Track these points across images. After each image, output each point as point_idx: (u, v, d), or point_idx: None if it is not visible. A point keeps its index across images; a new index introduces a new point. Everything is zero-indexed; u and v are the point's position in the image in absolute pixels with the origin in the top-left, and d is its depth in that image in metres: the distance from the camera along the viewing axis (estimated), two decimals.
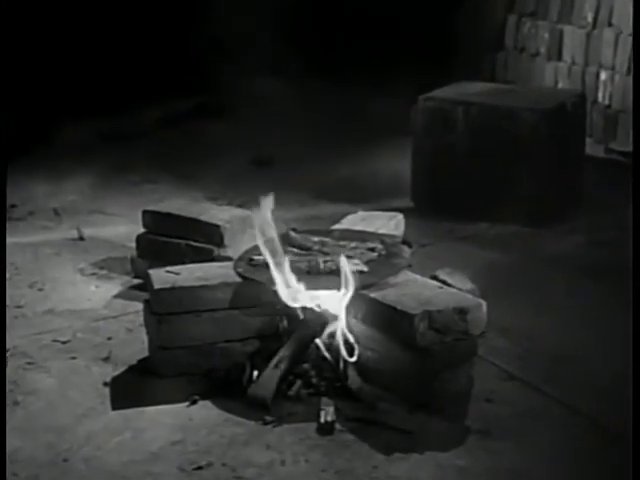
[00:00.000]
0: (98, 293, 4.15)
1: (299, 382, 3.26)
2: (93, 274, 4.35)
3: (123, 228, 4.77)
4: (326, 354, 3.31)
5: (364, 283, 3.29)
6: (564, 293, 4.08)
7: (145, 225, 4.26)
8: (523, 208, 4.89)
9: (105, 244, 4.69)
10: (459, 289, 3.80)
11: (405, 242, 3.65)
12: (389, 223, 4.03)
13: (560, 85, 6.35)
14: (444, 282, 3.88)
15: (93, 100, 6.29)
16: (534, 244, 4.69)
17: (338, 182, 5.65)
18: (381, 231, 3.86)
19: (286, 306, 3.33)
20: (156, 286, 3.38)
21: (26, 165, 5.73)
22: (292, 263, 3.33)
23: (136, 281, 4.17)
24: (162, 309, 3.36)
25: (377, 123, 6.38)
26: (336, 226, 3.96)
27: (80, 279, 4.31)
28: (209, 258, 3.98)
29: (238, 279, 3.42)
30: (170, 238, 4.16)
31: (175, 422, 3.10)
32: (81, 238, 4.78)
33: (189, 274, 3.47)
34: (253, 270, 3.44)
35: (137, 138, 6.34)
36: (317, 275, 3.34)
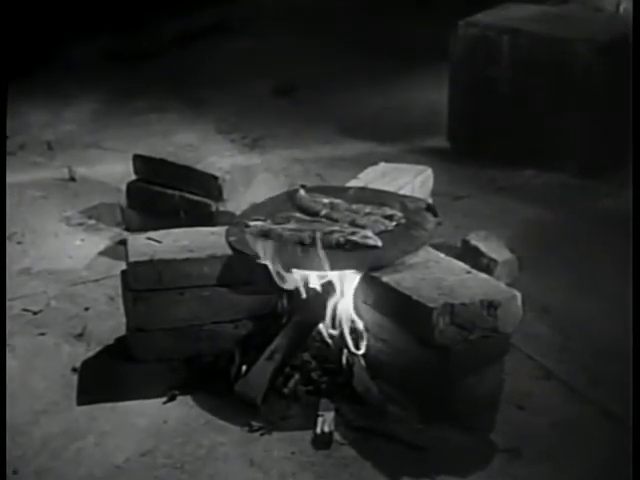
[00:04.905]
0: (82, 248, 3.71)
1: (296, 377, 2.81)
2: (80, 224, 3.91)
3: (120, 167, 4.23)
4: (330, 343, 2.83)
5: (375, 262, 2.76)
6: (615, 264, 3.50)
7: (136, 171, 3.75)
8: (574, 155, 4.33)
9: (98, 187, 4.23)
10: (494, 260, 3.34)
11: (430, 208, 3.08)
12: (414, 180, 3.47)
13: (623, 6, 5.63)
14: (477, 250, 3.43)
15: (100, 16, 5.73)
16: (584, 199, 4.12)
17: (366, 116, 5.10)
18: (403, 192, 3.30)
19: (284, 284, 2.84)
20: (132, 258, 2.88)
21: (25, 88, 5.26)
22: (294, 233, 2.81)
23: (126, 234, 3.68)
24: (139, 285, 2.89)
25: (412, 49, 5.73)
26: (352, 182, 3.42)
27: (65, 230, 3.88)
28: (207, 214, 3.48)
29: (229, 250, 2.90)
30: (163, 188, 3.65)
31: (147, 424, 2.69)
32: (72, 179, 4.29)
33: (173, 243, 2.97)
34: (247, 240, 2.92)
35: (147, 59, 5.81)
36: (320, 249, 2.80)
